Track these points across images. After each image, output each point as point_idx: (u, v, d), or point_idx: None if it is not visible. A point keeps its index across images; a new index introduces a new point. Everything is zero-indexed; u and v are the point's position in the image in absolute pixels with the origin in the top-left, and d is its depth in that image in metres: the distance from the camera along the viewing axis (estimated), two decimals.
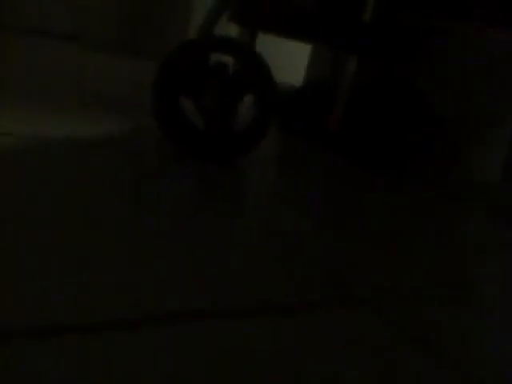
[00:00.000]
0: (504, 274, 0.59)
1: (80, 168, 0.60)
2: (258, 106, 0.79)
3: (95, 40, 1.99)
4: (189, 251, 0.44)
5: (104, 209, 0.49)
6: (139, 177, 0.62)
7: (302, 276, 0.44)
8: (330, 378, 0.31)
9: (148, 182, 0.61)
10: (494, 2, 0.99)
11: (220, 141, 0.77)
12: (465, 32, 1.03)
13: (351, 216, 0.66)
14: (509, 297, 0.52)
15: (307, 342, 0.34)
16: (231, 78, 0.77)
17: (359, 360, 0.34)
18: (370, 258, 0.53)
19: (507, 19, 0.98)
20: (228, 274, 0.41)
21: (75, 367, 0.27)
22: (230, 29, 2.28)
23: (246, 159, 0.84)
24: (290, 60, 2.52)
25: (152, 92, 0.74)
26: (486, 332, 0.43)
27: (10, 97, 0.91)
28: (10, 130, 0.69)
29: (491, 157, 1.10)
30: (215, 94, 0.75)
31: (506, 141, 1.08)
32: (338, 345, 0.35)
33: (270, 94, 0.79)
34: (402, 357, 0.35)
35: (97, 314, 0.32)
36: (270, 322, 0.36)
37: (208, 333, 0.33)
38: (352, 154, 1.10)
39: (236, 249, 0.47)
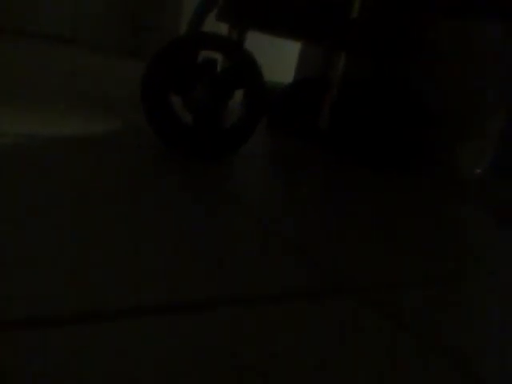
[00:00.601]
0: (496, 266, 0.60)
1: (72, 166, 0.61)
2: (246, 102, 0.80)
3: (93, 42, 1.98)
4: (184, 246, 0.45)
5: (99, 205, 0.49)
6: (130, 174, 0.62)
7: (294, 267, 0.45)
8: (328, 363, 0.32)
9: (139, 180, 0.61)
10: None
11: (209, 137, 0.77)
12: (453, 26, 1.04)
13: (344, 211, 0.67)
14: (502, 286, 0.53)
15: (303, 330, 0.35)
16: (220, 74, 0.77)
17: (355, 345, 0.35)
18: (362, 251, 0.54)
19: (497, 10, 0.99)
20: (224, 264, 0.42)
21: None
22: (219, 26, 2.28)
23: (234, 156, 0.85)
24: (279, 58, 2.52)
25: (141, 89, 0.74)
26: (482, 320, 0.44)
27: (4, 97, 0.90)
28: (2, 130, 0.69)
29: (481, 154, 1.11)
30: (204, 90, 0.76)
31: (495, 138, 1.10)
32: (332, 331, 0.36)
33: (259, 91, 0.80)
34: (395, 343, 0.36)
35: (110, 304, 0.32)
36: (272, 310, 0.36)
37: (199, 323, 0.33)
38: (342, 151, 1.10)
39: (230, 242, 0.48)
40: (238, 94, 1.75)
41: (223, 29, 2.29)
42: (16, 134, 0.68)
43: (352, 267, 0.49)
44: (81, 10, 2.00)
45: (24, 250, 0.37)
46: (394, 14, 1.05)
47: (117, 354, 0.29)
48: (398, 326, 0.39)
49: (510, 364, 0.38)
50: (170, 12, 2.03)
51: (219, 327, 0.33)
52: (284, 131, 1.20)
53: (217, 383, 0.28)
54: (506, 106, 1.10)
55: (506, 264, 0.63)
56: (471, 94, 1.07)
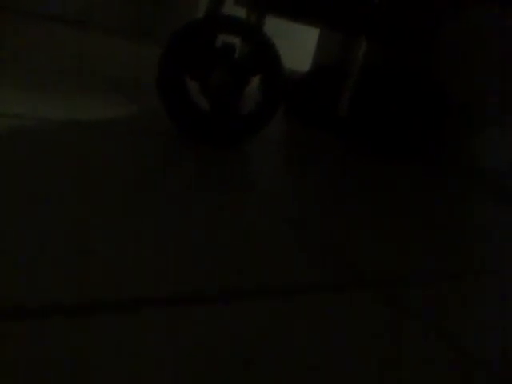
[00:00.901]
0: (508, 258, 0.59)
1: (84, 151, 0.60)
2: (264, 88, 0.78)
3: (106, 24, 1.97)
4: (194, 234, 0.44)
5: (108, 193, 0.49)
6: (143, 160, 0.61)
7: (307, 258, 0.44)
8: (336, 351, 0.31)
9: (153, 167, 0.60)
10: None
11: (226, 123, 0.76)
12: (475, 17, 1.01)
13: (358, 202, 0.66)
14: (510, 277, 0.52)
15: (311, 322, 0.34)
16: (238, 59, 0.75)
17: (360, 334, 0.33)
18: (375, 244, 0.52)
19: None
20: (234, 256, 0.41)
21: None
22: (237, 11, 2.25)
23: (251, 143, 0.83)
24: (298, 46, 2.49)
25: (157, 73, 0.73)
26: (486, 310, 0.42)
27: (15, 80, 0.90)
28: (10, 111, 0.68)
29: (502, 144, 1.08)
30: (222, 75, 0.74)
31: None
32: (339, 322, 0.34)
33: (277, 77, 0.78)
34: (402, 332, 0.35)
35: (122, 293, 0.31)
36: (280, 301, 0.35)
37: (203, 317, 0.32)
38: (360, 139, 1.08)
39: (244, 232, 0.46)
40: (255, 79, 1.72)
41: (241, 13, 2.26)
42: (28, 117, 0.67)
43: (365, 261, 0.48)
44: None
45: (25, 239, 0.36)
46: (417, 2, 1.02)
47: (117, 346, 0.28)
48: (407, 317, 0.38)
49: None
50: None
51: (232, 319, 0.32)
52: (301, 118, 1.18)
53: (228, 374, 0.27)
54: None
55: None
56: (491, 85, 1.04)
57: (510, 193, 1.01)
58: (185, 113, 0.73)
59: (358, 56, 1.02)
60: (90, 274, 0.34)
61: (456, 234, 0.64)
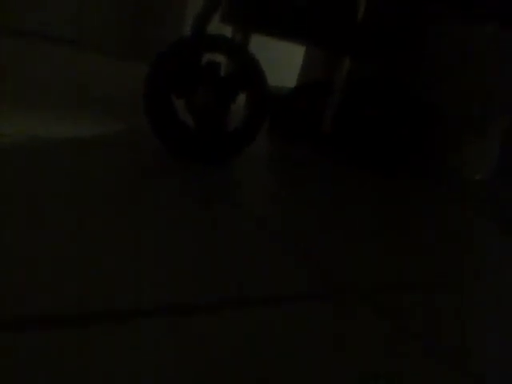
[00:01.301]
0: (494, 266, 0.59)
1: (72, 168, 0.60)
2: (249, 105, 0.79)
3: (94, 43, 1.97)
4: (184, 248, 0.44)
5: (97, 209, 0.48)
6: (134, 177, 0.61)
7: (294, 267, 0.44)
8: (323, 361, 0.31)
9: (142, 183, 0.60)
10: None
11: (211, 141, 0.76)
12: (455, 29, 1.04)
13: (344, 213, 0.66)
14: (497, 286, 0.52)
15: (303, 330, 0.34)
16: (224, 77, 0.76)
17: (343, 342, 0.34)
18: (361, 252, 0.53)
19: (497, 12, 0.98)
20: (224, 267, 0.41)
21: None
22: (224, 29, 2.27)
23: (236, 160, 0.84)
24: (283, 63, 2.51)
25: (143, 91, 0.73)
26: (473, 318, 0.43)
27: (6, 97, 0.90)
28: (3, 131, 0.68)
29: (482, 155, 1.10)
30: (207, 93, 0.75)
31: (497, 139, 1.09)
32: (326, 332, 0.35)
33: (262, 95, 0.79)
34: (387, 341, 0.35)
35: (110, 305, 0.31)
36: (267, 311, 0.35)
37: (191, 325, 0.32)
38: (345, 155, 1.09)
39: (231, 244, 0.47)
40: (242, 98, 1.73)
41: (228, 31, 2.28)
42: (16, 135, 0.67)
43: (351, 268, 0.48)
44: (83, 12, 1.99)
45: (22, 251, 0.36)
46: (399, 18, 1.04)
47: (117, 354, 0.27)
48: (396, 327, 0.38)
49: None
50: (173, 13, 2.02)
51: (220, 328, 0.32)
52: (285, 136, 1.19)
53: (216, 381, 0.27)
54: (509, 107, 1.08)
55: (504, 267, 0.62)
56: (473, 96, 1.06)
57: (492, 204, 1.02)
58: (171, 131, 0.73)
59: (342, 73, 1.03)
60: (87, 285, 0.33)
61: (441, 245, 0.65)
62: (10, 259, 0.36)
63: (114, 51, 2.00)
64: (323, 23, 0.95)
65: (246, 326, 0.35)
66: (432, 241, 0.67)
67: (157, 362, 0.29)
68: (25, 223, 0.42)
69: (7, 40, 1.68)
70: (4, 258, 0.35)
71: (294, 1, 0.93)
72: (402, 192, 0.93)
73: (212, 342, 0.32)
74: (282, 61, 2.46)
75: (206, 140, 0.76)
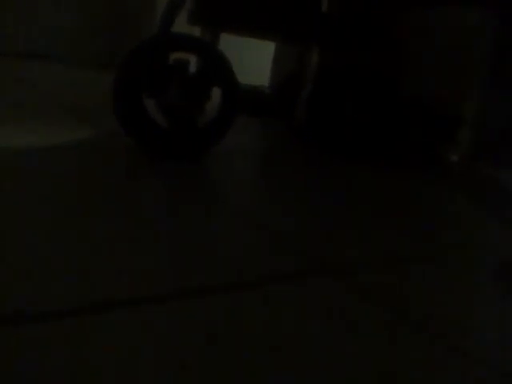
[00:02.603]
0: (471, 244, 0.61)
1: (47, 172, 0.60)
2: (220, 101, 0.80)
3: (66, 57, 1.95)
4: (174, 242, 0.44)
5: (87, 209, 0.49)
6: (113, 179, 0.62)
7: (282, 253, 0.45)
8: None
9: (122, 184, 0.61)
10: None
11: (183, 138, 0.77)
12: (421, 14, 1.06)
13: (326, 199, 0.67)
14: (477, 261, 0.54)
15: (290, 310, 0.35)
16: (193, 75, 0.77)
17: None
18: (346, 237, 0.54)
19: None
20: (213, 255, 0.42)
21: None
22: (193, 29, 2.27)
23: (210, 155, 0.85)
24: (254, 62, 2.52)
25: (112, 92, 0.73)
26: (453, 292, 0.45)
27: None
28: None
29: (458, 139, 1.12)
30: (176, 91, 0.75)
31: (473, 123, 1.11)
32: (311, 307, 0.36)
33: (232, 90, 0.79)
34: (364, 315, 0.37)
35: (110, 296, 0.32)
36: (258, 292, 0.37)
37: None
38: (319, 144, 1.11)
39: (218, 232, 0.47)
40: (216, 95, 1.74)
41: (197, 30, 2.28)
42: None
43: (335, 252, 0.49)
44: (54, 25, 1.97)
45: (20, 253, 0.37)
46: (364, 6, 1.06)
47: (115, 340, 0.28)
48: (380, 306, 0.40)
49: None
50: (144, 26, 2.01)
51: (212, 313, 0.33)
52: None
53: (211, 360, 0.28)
54: (481, 92, 1.11)
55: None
56: (446, 80, 1.08)
57: (465, 182, 1.04)
58: (142, 129, 0.74)
59: (312, 64, 1.05)
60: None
61: (422, 224, 0.66)
62: (7, 258, 0.36)
63: (88, 63, 1.99)
64: (290, 18, 0.97)
65: (235, 307, 0.36)
66: (410, 222, 0.68)
67: (136, 353, 0.30)
68: (12, 229, 0.42)
69: None
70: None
71: None
72: (378, 177, 0.95)
73: (182, 330, 0.33)
74: (250, 60, 2.47)
75: (178, 137, 0.76)
